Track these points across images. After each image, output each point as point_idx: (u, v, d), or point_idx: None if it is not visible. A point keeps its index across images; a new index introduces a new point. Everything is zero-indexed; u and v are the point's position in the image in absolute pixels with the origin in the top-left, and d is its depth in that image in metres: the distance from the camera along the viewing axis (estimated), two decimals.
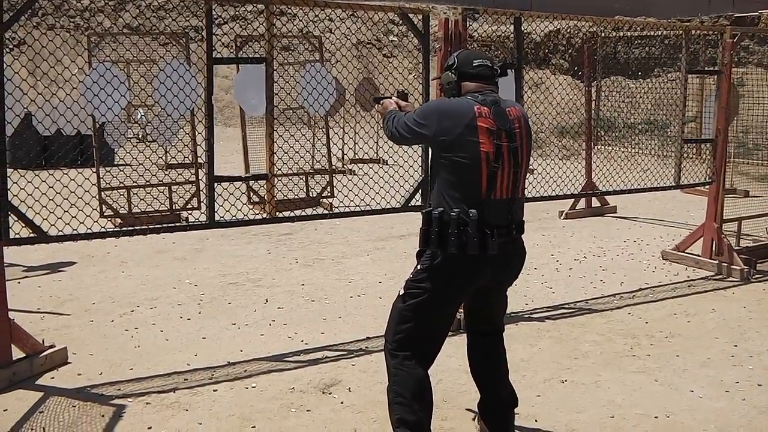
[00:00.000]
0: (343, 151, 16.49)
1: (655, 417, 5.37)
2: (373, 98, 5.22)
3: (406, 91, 5.00)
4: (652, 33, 21.09)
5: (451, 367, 6.08)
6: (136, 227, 6.39)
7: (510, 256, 4.48)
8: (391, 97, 4.95)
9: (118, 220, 10.63)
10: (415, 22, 7.24)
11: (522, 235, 4.56)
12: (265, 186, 7.29)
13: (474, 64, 4.53)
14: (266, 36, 6.85)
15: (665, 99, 12.50)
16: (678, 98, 9.38)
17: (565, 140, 18.15)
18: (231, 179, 6.63)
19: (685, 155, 9.55)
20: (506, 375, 4.87)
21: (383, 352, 4.69)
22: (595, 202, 13.05)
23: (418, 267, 4.48)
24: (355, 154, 15.99)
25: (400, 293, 4.57)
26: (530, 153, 4.53)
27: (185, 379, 5.95)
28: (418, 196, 7.13)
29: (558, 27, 23.91)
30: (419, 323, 4.52)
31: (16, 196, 5.75)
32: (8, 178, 5.65)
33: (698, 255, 9.46)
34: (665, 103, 12.47)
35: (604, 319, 7.44)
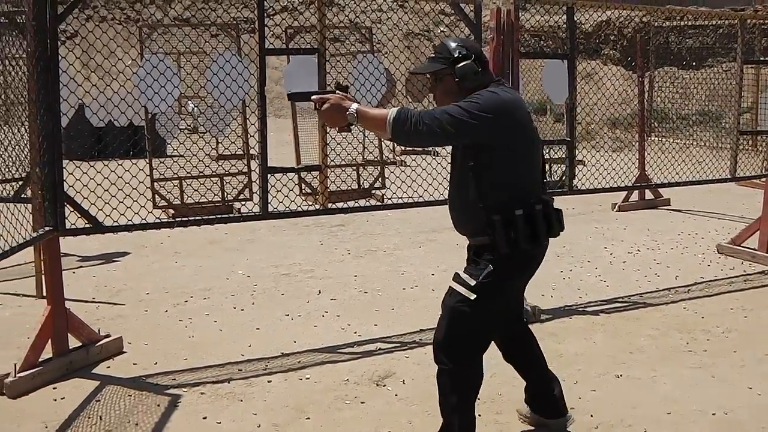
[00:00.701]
0: (393, 144, 16.47)
1: (713, 414, 5.28)
2: (289, 95, 5.01)
3: (345, 84, 4.49)
4: (705, 22, 20.83)
5: (504, 361, 6.02)
6: (190, 218, 6.43)
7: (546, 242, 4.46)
8: (335, 92, 4.34)
9: (171, 211, 10.71)
10: (467, 13, 7.20)
11: None
12: (317, 177, 7.30)
13: (484, 52, 4.44)
14: (318, 27, 6.85)
15: (719, 90, 12.36)
16: (733, 89, 9.24)
17: (617, 132, 17.99)
18: (284, 170, 6.64)
19: (741, 147, 9.41)
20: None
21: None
22: (649, 195, 12.92)
23: (487, 269, 4.24)
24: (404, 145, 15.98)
25: (464, 296, 4.29)
26: None
27: (239, 370, 5.97)
28: None
29: (609, 17, 23.68)
30: (488, 324, 4.44)
31: (72, 186, 5.81)
32: (64, 169, 5.70)
33: (755, 249, 9.31)
34: (719, 93, 12.34)
35: (659, 314, 7.35)
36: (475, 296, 4.24)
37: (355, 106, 4.21)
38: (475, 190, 4.24)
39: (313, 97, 4.34)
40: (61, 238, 5.89)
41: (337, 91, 4.33)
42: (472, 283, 4.25)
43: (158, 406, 5.35)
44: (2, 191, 6.21)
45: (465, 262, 4.51)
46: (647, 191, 12.79)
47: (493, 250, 4.21)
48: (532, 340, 4.94)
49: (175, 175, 10.90)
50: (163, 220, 6.52)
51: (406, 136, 4.17)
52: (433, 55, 4.45)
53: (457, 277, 4.35)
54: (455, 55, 4.32)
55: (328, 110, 4.24)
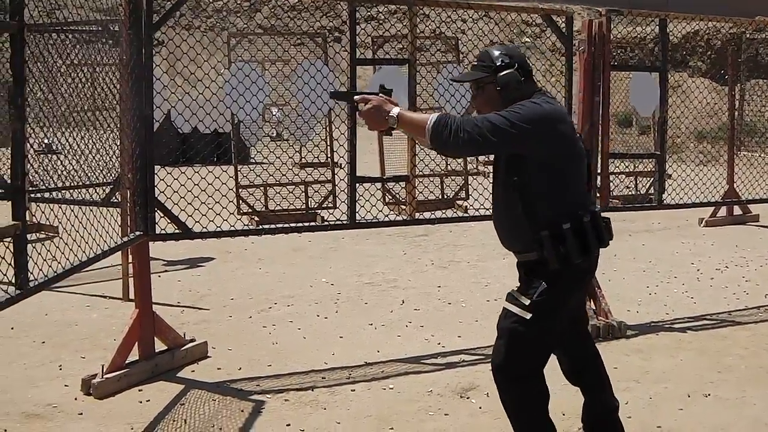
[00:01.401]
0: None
1: None
2: (331, 93, 4.90)
3: (389, 88, 4.32)
4: None
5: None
6: (277, 225, 6.50)
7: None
8: (378, 94, 4.21)
9: (255, 218, 10.81)
10: (558, 24, 7.15)
11: None
12: (404, 187, 7.30)
13: (527, 62, 4.26)
14: (409, 37, 6.86)
15: None
16: None
17: (704, 145, 17.69)
18: (372, 180, 6.67)
19: None
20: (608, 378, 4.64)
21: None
22: (737, 210, 12.68)
23: (540, 286, 4.07)
24: (487, 156, 15.90)
25: (519, 316, 4.11)
26: None
27: (323, 378, 5.98)
28: None
29: (697, 28, 23.35)
30: (545, 343, 4.27)
31: (163, 192, 5.89)
32: (155, 175, 5.79)
33: None
34: None
35: (748, 332, 7.19)
36: (530, 315, 4.07)
37: (396, 109, 4.10)
38: (519, 204, 4.08)
39: (355, 97, 4.27)
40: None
41: (380, 94, 4.20)
42: (527, 302, 4.07)
43: (242, 411, 5.38)
44: (92, 196, 6.31)
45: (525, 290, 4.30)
46: (736, 207, 12.56)
47: (544, 266, 4.06)
48: (598, 361, 4.66)
49: (260, 182, 11.00)
50: (250, 228, 6.59)
51: (445, 143, 4.03)
52: (475, 63, 4.30)
53: (510, 298, 4.19)
54: (497, 64, 4.16)
55: (370, 111, 4.13)
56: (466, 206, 11.36)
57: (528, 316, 4.07)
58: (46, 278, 4.47)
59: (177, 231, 6.05)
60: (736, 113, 13.15)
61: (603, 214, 4.24)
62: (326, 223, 8.87)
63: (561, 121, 4.10)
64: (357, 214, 6.43)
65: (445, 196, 11.95)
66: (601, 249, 4.19)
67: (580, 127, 6.99)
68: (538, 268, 4.09)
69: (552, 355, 4.40)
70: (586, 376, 4.60)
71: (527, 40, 26.16)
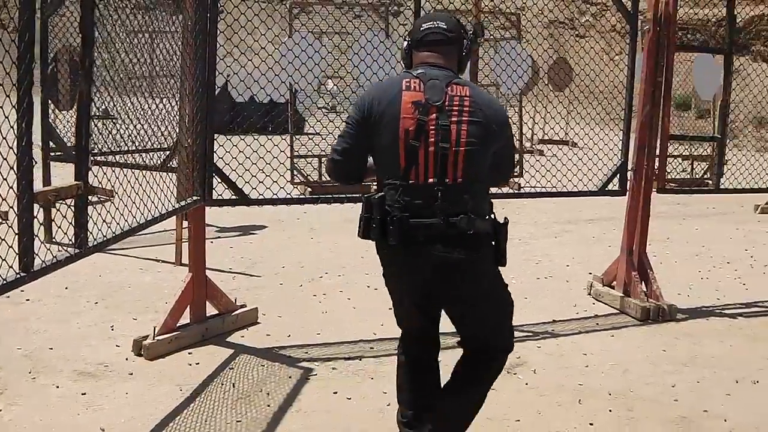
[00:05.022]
0: (533, 131, 16.32)
1: None
2: None
3: None
4: None
5: (637, 358, 5.96)
6: (334, 195, 6.51)
7: (436, 251, 3.79)
8: None
9: (308, 188, 10.87)
10: (624, 2, 7.10)
11: (470, 229, 3.77)
12: None
13: (422, 29, 3.95)
14: (473, 11, 6.85)
15: None
16: None
17: (762, 131, 17.46)
18: None
19: None
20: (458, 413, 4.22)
21: None
22: None
23: None
24: (545, 134, 15.81)
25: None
26: (477, 139, 3.80)
27: (371, 348, 6.04)
28: (615, 180, 7.04)
29: (762, 12, 22.96)
30: (394, 305, 4.31)
31: (222, 159, 5.96)
32: (215, 142, 5.86)
33: None
34: None
35: None
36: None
37: None
38: None
39: None
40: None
41: None
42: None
43: (290, 377, 5.45)
44: (150, 160, 6.39)
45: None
46: None
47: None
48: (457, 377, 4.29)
49: (313, 153, 11.04)
50: (306, 196, 6.64)
51: (335, 176, 4.13)
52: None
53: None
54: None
55: None
56: (520, 184, 11.33)
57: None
58: (105, 239, 4.55)
59: (234, 197, 6.12)
60: None
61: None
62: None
63: (378, 97, 3.87)
64: None
65: None
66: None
67: (640, 107, 6.95)
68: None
69: None
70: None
71: (588, 19, 25.88)
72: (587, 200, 8.05)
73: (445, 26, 3.93)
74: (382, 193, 3.78)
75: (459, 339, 4.20)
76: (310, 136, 11.42)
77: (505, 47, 8.61)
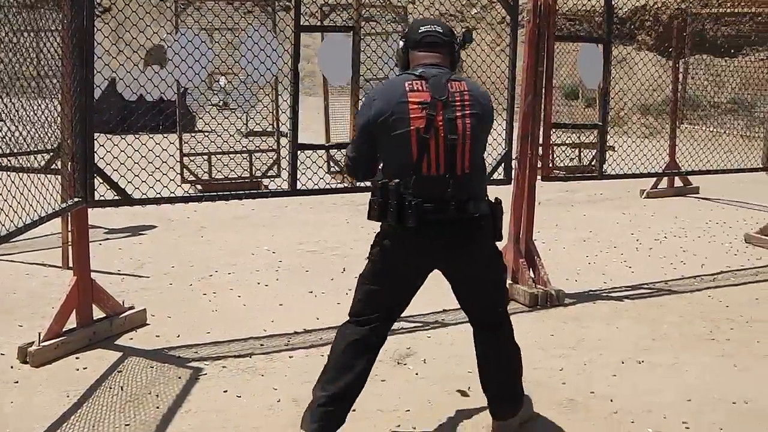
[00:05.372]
0: None
1: (733, 402, 5.26)
2: None
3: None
4: (742, 10, 20.59)
5: (526, 344, 6.02)
6: (218, 192, 6.46)
7: (449, 233, 4.27)
8: None
9: (199, 186, 10.76)
10: None
11: (476, 212, 4.29)
12: None
13: (420, 31, 4.37)
14: (354, 4, 6.85)
15: (754, 78, 12.24)
16: (767, 78, 9.17)
17: (648, 118, 17.87)
18: (314, 147, 6.65)
19: None
20: (502, 373, 4.69)
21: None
22: (678, 182, 12.84)
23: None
24: None
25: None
26: (482, 130, 4.34)
27: (261, 345, 6.01)
28: (500, 169, 7.12)
29: (645, 2, 23.49)
30: (368, 282, 4.56)
31: (102, 158, 5.84)
32: (95, 141, 5.75)
33: None
34: (753, 82, 12.22)
35: (683, 301, 7.32)
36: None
37: None
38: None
39: None
40: (89, 211, 5.94)
41: None
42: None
43: (179, 378, 5.40)
44: (33, 163, 6.24)
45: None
46: (676, 179, 12.71)
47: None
48: (487, 352, 4.75)
49: (205, 151, 10.93)
50: (191, 194, 6.55)
51: (352, 174, 4.69)
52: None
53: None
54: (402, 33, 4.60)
55: None
56: None
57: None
58: None
59: (117, 197, 6.02)
60: (680, 87, 13.27)
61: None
62: (268, 191, 8.82)
63: (383, 99, 4.24)
64: (298, 182, 6.42)
65: None
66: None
67: (522, 97, 7.04)
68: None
69: None
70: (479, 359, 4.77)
71: (477, 12, 26.10)
72: None
73: (440, 30, 4.37)
74: (398, 180, 4.15)
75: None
76: (205, 134, 11.28)
77: (396, 41, 8.63)
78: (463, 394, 5.26)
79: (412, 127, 4.14)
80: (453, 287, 4.61)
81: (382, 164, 4.38)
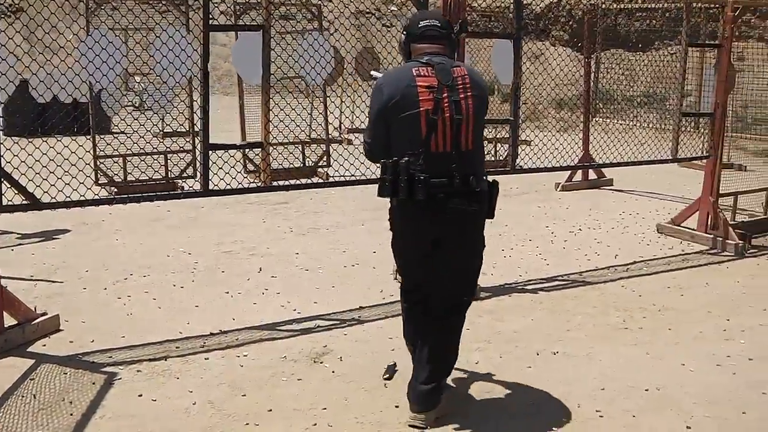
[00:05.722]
0: (340, 121, 16.38)
1: (646, 390, 5.38)
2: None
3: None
4: (653, 5, 20.97)
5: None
6: (129, 195, 6.38)
7: (453, 204, 4.68)
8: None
9: (114, 188, 10.61)
10: None
11: (477, 187, 4.72)
12: (260, 154, 7.27)
13: (420, 25, 4.83)
14: (263, 3, 6.81)
15: (665, 72, 12.46)
16: (677, 71, 9.34)
17: (563, 113, 18.07)
18: (225, 147, 6.59)
19: (683, 129, 9.52)
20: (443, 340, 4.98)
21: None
22: (592, 175, 13.00)
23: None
24: (352, 123, 15.89)
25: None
26: (481, 111, 4.81)
27: (177, 347, 5.95)
28: None
29: None
30: (401, 258, 5.10)
31: (9, 162, 5.73)
32: (1, 145, 5.63)
33: (694, 229, 9.44)
34: (665, 76, 12.43)
35: (597, 292, 7.44)
36: None
37: None
38: None
39: None
40: (0, 216, 5.82)
41: None
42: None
43: (94, 384, 5.33)
44: None
45: None
46: (591, 171, 12.88)
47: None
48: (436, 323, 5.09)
49: (119, 152, 10.78)
50: (102, 197, 6.45)
51: (371, 156, 5.00)
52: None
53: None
54: (403, 26, 4.99)
55: None
56: (328, 174, 11.37)
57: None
58: None
59: (25, 202, 5.90)
60: (592, 82, 13.45)
61: None
62: (180, 192, 8.72)
63: (392, 86, 4.70)
64: (211, 182, 6.36)
65: (307, 164, 11.89)
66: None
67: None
68: None
69: None
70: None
71: (394, 8, 26.18)
72: None
73: (439, 24, 4.85)
74: (408, 159, 4.58)
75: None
76: (115, 135, 11.12)
77: (307, 38, 8.63)
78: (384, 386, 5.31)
79: (421, 109, 4.60)
80: (440, 260, 4.86)
81: (392, 143, 4.73)
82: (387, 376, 5.46)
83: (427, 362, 4.85)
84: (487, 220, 4.92)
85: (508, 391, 5.30)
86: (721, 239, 9.07)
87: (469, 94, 4.69)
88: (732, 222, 9.45)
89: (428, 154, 4.62)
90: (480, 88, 4.80)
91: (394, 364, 5.58)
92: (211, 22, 6.25)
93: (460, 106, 4.66)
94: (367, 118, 4.94)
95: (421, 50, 4.79)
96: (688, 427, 4.91)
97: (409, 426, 4.79)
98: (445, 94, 4.62)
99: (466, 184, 4.68)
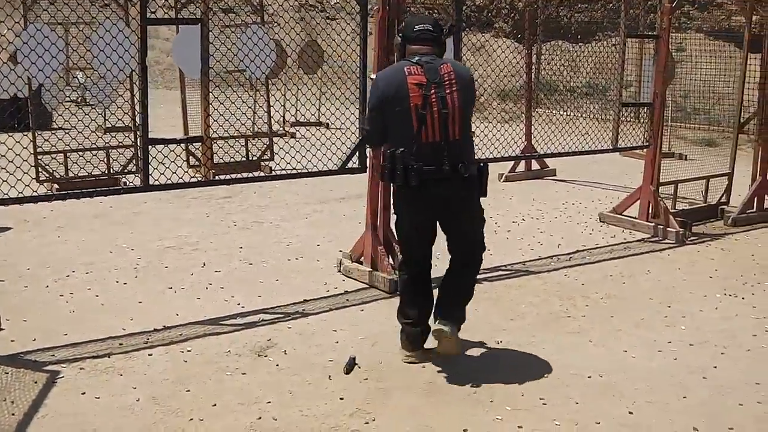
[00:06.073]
0: (283, 115, 16.30)
1: (588, 377, 5.45)
2: None
3: None
4: None
5: (387, 330, 6.11)
6: (68, 191, 6.31)
7: (445, 189, 5.31)
8: None
9: (55, 185, 10.48)
10: None
11: (466, 173, 5.29)
12: (200, 149, 7.22)
13: (415, 29, 5.44)
14: None
15: (606, 63, 12.57)
16: (617, 62, 9.45)
17: (506, 104, 18.16)
18: (165, 142, 6.53)
19: (624, 119, 9.63)
20: (459, 295, 5.75)
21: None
22: (535, 165, 13.08)
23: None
24: (295, 117, 15.84)
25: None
26: (466, 102, 5.37)
27: (120, 344, 5.90)
28: (355, 158, 7.14)
29: None
30: (403, 235, 5.72)
31: None
32: None
33: (635, 217, 9.56)
34: (606, 67, 12.54)
35: (540, 281, 7.51)
36: None
37: None
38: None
39: None
40: None
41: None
42: None
43: (36, 383, 5.26)
44: None
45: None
46: (534, 162, 12.96)
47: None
48: (451, 277, 5.89)
49: (59, 148, 10.63)
50: (41, 194, 6.35)
51: (369, 142, 6.28)
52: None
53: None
54: (399, 28, 5.81)
55: None
56: (271, 167, 11.32)
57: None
58: None
59: None
60: (534, 73, 13.53)
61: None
62: (120, 187, 8.61)
63: (387, 82, 5.37)
64: (151, 177, 6.31)
65: (251, 158, 11.82)
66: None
67: None
68: None
69: None
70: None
71: (337, 1, 26.12)
72: (339, 179, 8.16)
73: (431, 28, 5.46)
74: (403, 149, 5.24)
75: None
76: (53, 132, 10.95)
77: (247, 32, 8.61)
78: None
79: (411, 104, 5.23)
80: (446, 234, 5.66)
81: (388, 134, 5.43)
82: (346, 369, 5.47)
83: (450, 304, 5.68)
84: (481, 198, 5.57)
85: (452, 381, 5.34)
86: (662, 227, 9.20)
87: (454, 89, 5.30)
88: (672, 210, 9.60)
89: (420, 145, 5.25)
90: (464, 81, 5.38)
91: (354, 358, 5.59)
92: (150, 15, 6.19)
93: (446, 101, 5.27)
94: (367, 108, 5.74)
95: (414, 51, 5.41)
96: (630, 413, 4.99)
97: (434, 330, 5.59)
98: (433, 91, 5.24)
99: (456, 170, 5.27)
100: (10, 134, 6.40)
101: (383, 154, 5.47)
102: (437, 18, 7.15)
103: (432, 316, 5.70)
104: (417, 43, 5.42)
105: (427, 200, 5.37)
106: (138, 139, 6.33)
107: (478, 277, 7.39)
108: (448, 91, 5.28)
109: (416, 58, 5.34)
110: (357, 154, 7.14)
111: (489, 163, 8.23)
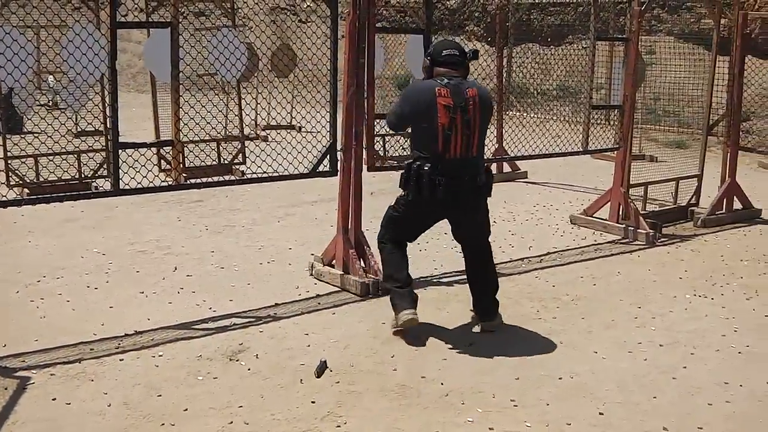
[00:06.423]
0: (255, 119, 16.25)
1: (559, 378, 5.49)
2: None
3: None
4: (565, 0, 21.26)
5: (358, 332, 6.14)
6: (39, 196, 6.28)
7: (464, 196, 5.97)
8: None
9: (26, 190, 10.42)
10: None
11: (481, 183, 6.02)
12: (172, 152, 7.20)
13: (443, 54, 6.01)
14: (172, 0, 6.75)
15: (578, 66, 12.63)
16: (587, 65, 9.52)
17: None
18: (135, 146, 6.52)
19: (594, 121, 9.69)
20: (488, 285, 6.44)
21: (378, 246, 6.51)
22: (507, 168, 13.10)
23: (403, 194, 6.16)
24: (267, 121, 15.83)
25: (392, 205, 6.34)
26: (485, 122, 6.07)
27: (91, 349, 5.87)
28: (326, 161, 7.16)
29: None
30: (399, 225, 6.34)
31: None
32: None
33: (605, 219, 9.62)
34: (577, 70, 12.61)
35: (511, 283, 7.53)
36: (394, 205, 6.38)
37: None
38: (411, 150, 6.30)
39: None
40: None
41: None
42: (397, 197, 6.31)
43: (6, 389, 5.22)
44: None
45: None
46: (506, 164, 12.99)
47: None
48: (476, 264, 6.55)
49: (31, 153, 10.56)
50: (10, 199, 6.32)
51: (391, 128, 6.70)
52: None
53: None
54: (428, 51, 6.29)
55: None
56: (243, 171, 11.30)
57: (393, 204, 6.38)
58: None
59: None
60: (504, 76, 13.57)
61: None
62: (90, 191, 8.57)
63: (418, 96, 5.97)
64: (121, 181, 6.29)
65: (222, 162, 11.78)
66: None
67: (345, 88, 7.09)
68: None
69: None
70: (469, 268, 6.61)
71: (309, 4, 26.10)
72: (312, 182, 8.12)
73: (458, 53, 6.04)
74: (429, 164, 5.86)
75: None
76: (23, 136, 10.86)
77: (217, 35, 8.60)
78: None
79: (439, 123, 5.81)
80: (455, 228, 6.43)
81: (411, 138, 6.22)
82: (317, 373, 5.47)
83: (487, 303, 6.40)
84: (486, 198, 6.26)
85: (424, 383, 5.36)
86: (632, 229, 9.27)
87: (477, 113, 5.91)
88: (643, 212, 9.67)
89: (444, 161, 5.85)
90: (486, 105, 6.02)
91: (325, 362, 5.59)
92: (121, 18, 6.18)
93: (470, 123, 5.86)
94: (397, 103, 6.26)
95: (441, 73, 5.97)
96: (600, 414, 5.03)
97: (482, 332, 6.35)
98: (458, 114, 5.82)
99: (474, 181, 5.95)
100: None
101: (408, 166, 6.01)
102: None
103: (472, 318, 6.53)
104: (444, 66, 5.98)
105: (443, 205, 6.01)
106: (108, 143, 6.28)
107: (450, 279, 7.51)
108: (471, 114, 5.86)
109: (444, 81, 5.88)
110: (328, 157, 7.15)
111: None
